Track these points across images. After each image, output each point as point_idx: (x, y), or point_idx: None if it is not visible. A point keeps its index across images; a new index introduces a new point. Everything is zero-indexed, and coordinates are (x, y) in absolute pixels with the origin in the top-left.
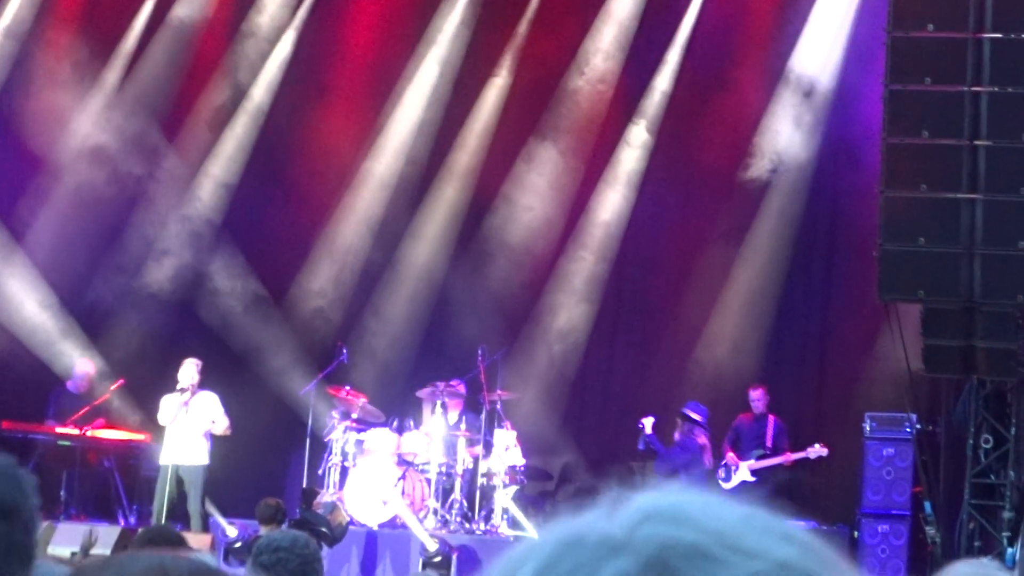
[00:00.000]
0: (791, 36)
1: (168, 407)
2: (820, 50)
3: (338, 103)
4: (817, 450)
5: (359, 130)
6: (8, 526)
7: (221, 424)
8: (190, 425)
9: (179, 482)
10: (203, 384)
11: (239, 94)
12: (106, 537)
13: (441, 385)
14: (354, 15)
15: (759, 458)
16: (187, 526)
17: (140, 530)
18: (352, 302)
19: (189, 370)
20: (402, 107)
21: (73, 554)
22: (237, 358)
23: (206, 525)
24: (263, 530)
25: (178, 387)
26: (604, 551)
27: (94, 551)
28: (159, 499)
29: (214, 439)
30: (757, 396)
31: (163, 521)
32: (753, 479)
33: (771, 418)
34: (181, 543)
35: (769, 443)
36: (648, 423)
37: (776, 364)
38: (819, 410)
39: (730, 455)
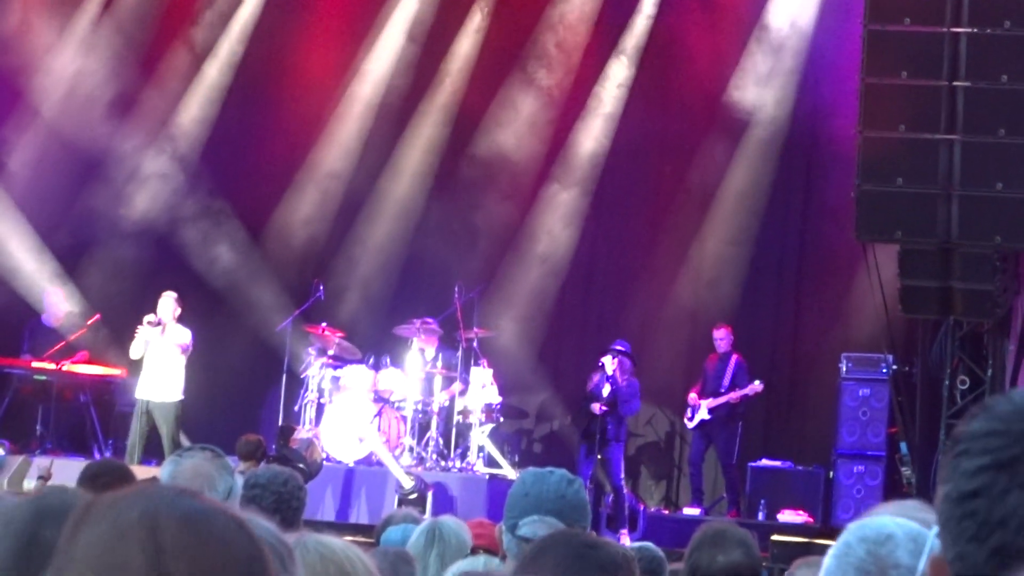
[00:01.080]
0: None
1: (137, 340)
2: None
3: (318, 32)
4: (755, 387)
5: (339, 61)
6: None
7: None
8: (161, 360)
9: (152, 417)
10: (181, 319)
11: (217, 27)
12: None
13: (417, 322)
14: None
15: (714, 396)
16: (161, 461)
17: (86, 464)
18: (330, 238)
19: (167, 303)
20: (383, 36)
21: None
22: (214, 294)
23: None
24: (242, 466)
25: (146, 320)
26: None
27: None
28: (133, 434)
29: (188, 374)
30: (721, 336)
31: (136, 456)
32: (710, 417)
33: (734, 357)
34: (128, 478)
35: (727, 381)
36: (608, 361)
37: (752, 304)
38: (795, 350)
39: (692, 395)
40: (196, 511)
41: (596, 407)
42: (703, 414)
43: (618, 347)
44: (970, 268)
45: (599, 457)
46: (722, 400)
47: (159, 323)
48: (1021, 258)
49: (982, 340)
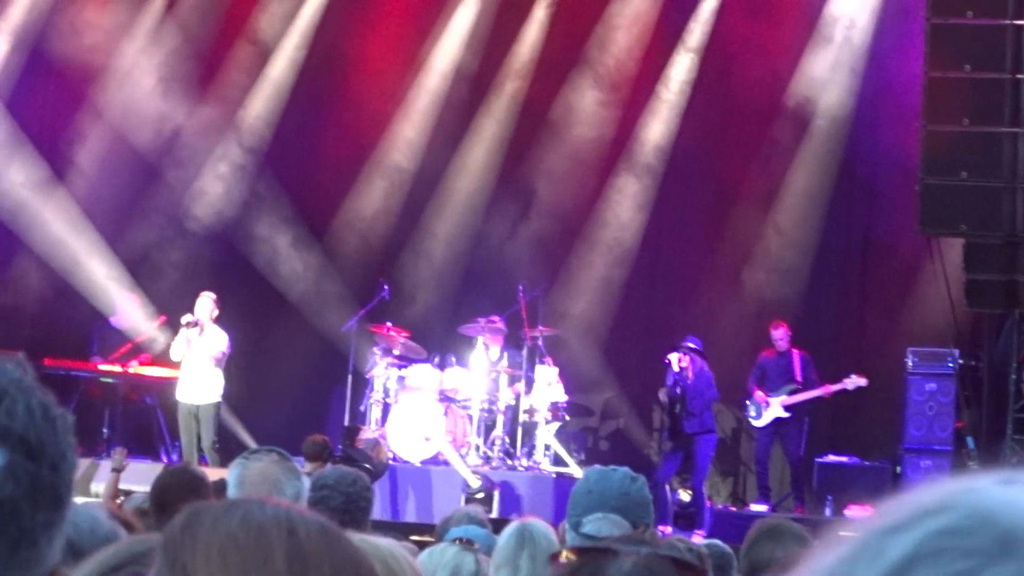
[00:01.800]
0: None
1: (177, 341)
2: None
3: (382, 27)
4: (855, 380)
5: (404, 57)
6: (35, 465)
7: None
8: (200, 361)
9: (196, 419)
10: (234, 322)
11: (281, 23)
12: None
13: (482, 321)
14: None
15: (791, 393)
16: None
17: (162, 468)
18: (394, 237)
19: (204, 304)
20: (447, 32)
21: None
22: (279, 294)
23: (221, 462)
24: (308, 467)
25: (183, 321)
26: None
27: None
28: (184, 435)
29: (253, 374)
30: (780, 335)
31: (193, 457)
32: (787, 415)
33: (795, 352)
34: (203, 480)
35: (798, 377)
36: (675, 359)
37: (817, 299)
38: (860, 345)
39: (758, 393)
40: (321, 520)
41: (663, 396)
42: (776, 411)
43: (688, 344)
44: None
45: (682, 454)
46: (812, 395)
47: (196, 323)
48: None
49: None
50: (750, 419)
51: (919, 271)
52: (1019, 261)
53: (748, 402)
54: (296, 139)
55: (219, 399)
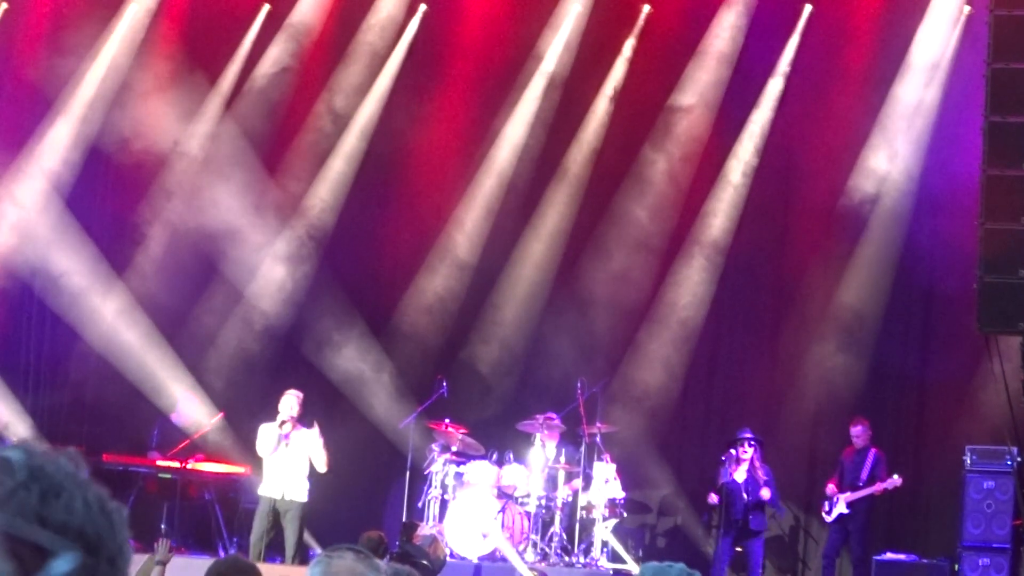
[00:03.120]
0: (892, 64)
1: (267, 438)
2: (921, 80)
3: (443, 120)
4: (894, 480)
5: (464, 151)
6: (93, 559)
7: (320, 460)
8: (290, 459)
9: (276, 515)
10: (303, 417)
11: (342, 117)
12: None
13: (540, 418)
14: (457, 37)
15: (853, 490)
16: (284, 560)
17: (213, 562)
18: (453, 333)
19: (290, 402)
20: (509, 126)
21: None
22: (337, 390)
23: (304, 559)
24: None
25: (279, 419)
26: None
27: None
28: (256, 531)
29: (314, 474)
30: (857, 432)
31: (261, 554)
32: (848, 511)
33: (872, 451)
34: (252, 571)
35: (865, 475)
36: (742, 450)
37: (875, 396)
38: (919, 443)
39: (830, 487)
40: None
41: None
42: (841, 508)
43: (748, 435)
44: None
45: (739, 549)
46: (863, 493)
47: (290, 421)
48: None
49: None
50: (824, 514)
51: (977, 369)
52: None
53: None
54: (358, 230)
55: (306, 498)
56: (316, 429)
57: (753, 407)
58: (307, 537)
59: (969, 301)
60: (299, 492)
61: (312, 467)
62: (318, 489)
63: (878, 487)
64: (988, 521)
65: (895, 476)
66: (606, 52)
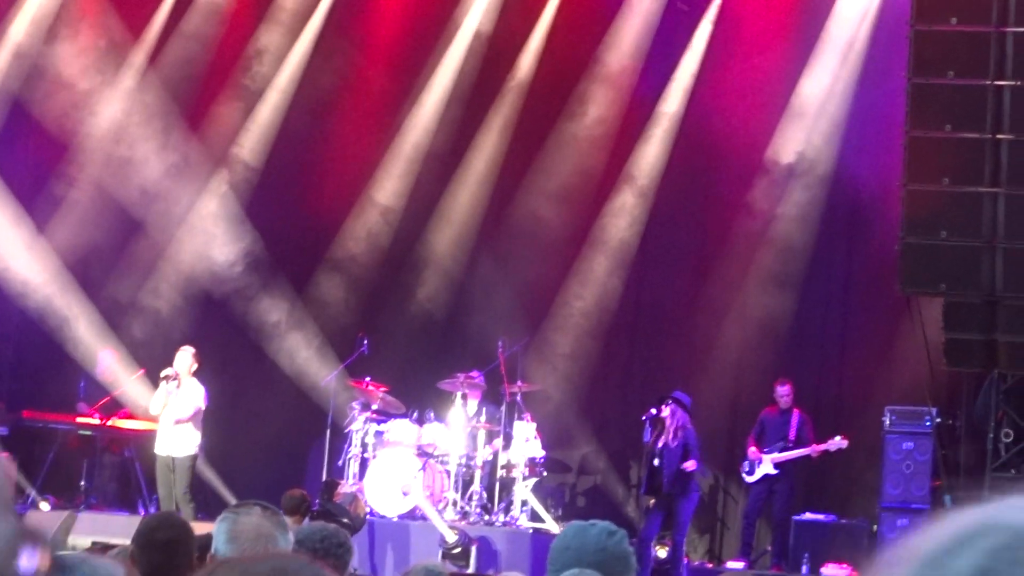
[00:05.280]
0: (814, 30)
1: (155, 396)
2: (841, 46)
3: (360, 96)
4: (837, 442)
5: (379, 122)
6: None
7: (182, 411)
8: (177, 414)
9: (173, 471)
10: (214, 373)
11: (262, 82)
12: (127, 527)
13: (461, 376)
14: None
15: (781, 451)
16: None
17: (143, 519)
18: (374, 291)
19: (183, 358)
20: (426, 96)
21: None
22: (258, 348)
23: (195, 514)
24: (287, 521)
25: (162, 375)
26: None
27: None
28: (161, 489)
29: (233, 428)
30: (784, 392)
31: (171, 509)
32: (775, 472)
33: (796, 412)
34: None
35: (792, 436)
36: (662, 416)
37: (796, 357)
38: (839, 403)
39: (752, 449)
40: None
41: (656, 461)
42: (767, 468)
43: (676, 396)
44: (1015, 321)
45: (665, 512)
46: (797, 454)
47: (175, 377)
48: None
49: None
50: (743, 474)
51: (898, 329)
52: (998, 321)
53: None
54: (281, 187)
55: (195, 452)
56: (203, 389)
57: (674, 363)
58: (226, 494)
59: (891, 262)
60: (184, 447)
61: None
62: (241, 446)
63: (818, 448)
64: (907, 482)
65: (838, 437)
66: (532, 9)
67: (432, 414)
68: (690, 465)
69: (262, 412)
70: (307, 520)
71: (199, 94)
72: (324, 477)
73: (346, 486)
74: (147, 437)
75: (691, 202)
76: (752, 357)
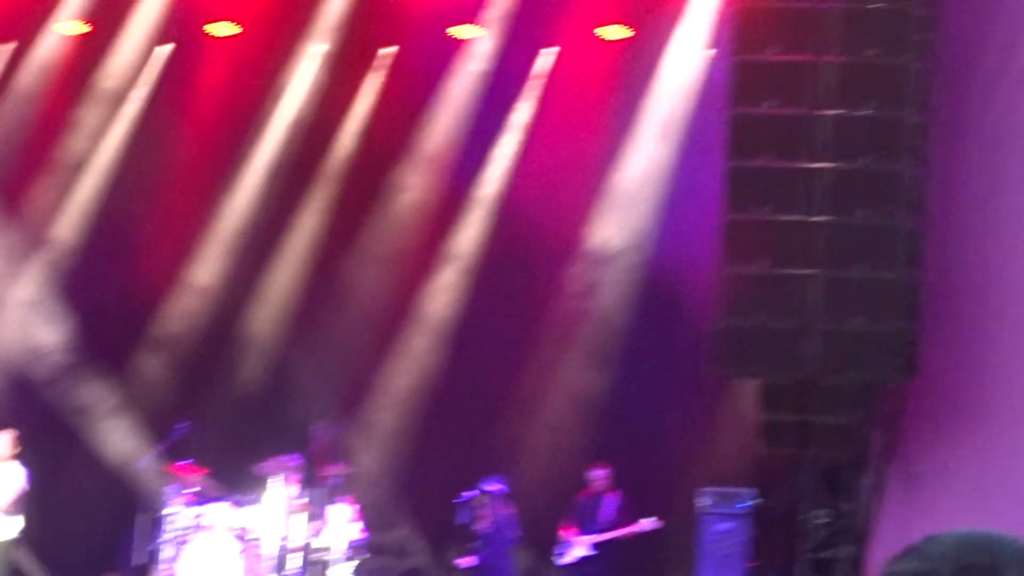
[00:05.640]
0: (632, 111)
1: None
2: (659, 128)
3: (180, 176)
4: (651, 522)
5: (200, 201)
6: None
7: (6, 494)
8: None
9: None
10: (32, 455)
11: (81, 160)
12: None
13: (280, 459)
14: (202, 78)
15: (597, 532)
16: None
17: None
18: (194, 373)
19: (2, 442)
20: (247, 176)
21: None
22: (76, 430)
23: None
24: None
25: None
26: None
27: None
28: None
29: (48, 511)
30: (599, 476)
31: None
32: (593, 553)
33: (611, 495)
34: None
35: (607, 518)
36: (478, 499)
37: (614, 437)
38: (656, 484)
39: (565, 531)
40: None
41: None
42: (581, 550)
43: (488, 487)
44: (830, 402)
45: None
46: (612, 535)
47: None
48: (879, 392)
49: (841, 474)
50: (556, 557)
51: (716, 411)
52: (814, 402)
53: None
54: (100, 266)
55: (14, 536)
56: (24, 471)
57: (494, 446)
58: None
59: (707, 344)
60: (5, 531)
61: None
62: (56, 530)
63: (631, 529)
64: (723, 564)
65: (653, 518)
66: (350, 91)
67: (251, 497)
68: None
69: (79, 495)
70: None
71: (15, 173)
72: (139, 562)
73: (162, 570)
74: None
75: (511, 281)
76: (569, 437)
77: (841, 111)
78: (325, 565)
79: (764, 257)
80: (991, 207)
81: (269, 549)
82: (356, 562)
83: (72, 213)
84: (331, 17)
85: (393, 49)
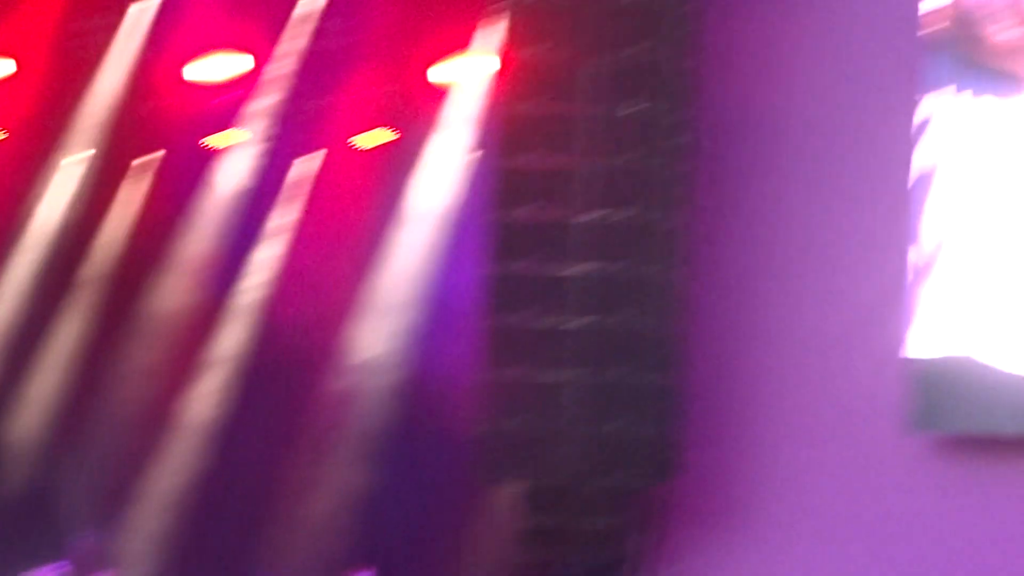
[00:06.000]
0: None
1: None
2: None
3: None
4: None
5: None
6: None
7: None
8: None
9: None
10: None
11: None
12: None
13: (43, 571)
14: None
15: None
16: None
17: None
18: None
19: None
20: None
21: None
22: None
23: None
24: None
25: None
26: None
27: None
28: None
29: None
30: None
31: None
32: None
33: None
34: None
35: None
36: None
37: (378, 542)
38: None
39: None
40: None
41: None
42: None
43: None
44: (589, 507)
45: None
46: None
47: None
48: (640, 496)
49: None
50: None
51: (478, 516)
52: (572, 506)
53: None
54: None
55: None
56: None
57: (256, 552)
58: None
59: (470, 449)
60: None
61: None
62: None
63: None
64: None
65: None
66: (105, 202)
67: None
68: None
69: None
70: None
71: None
72: None
73: None
74: None
75: (272, 387)
76: (331, 541)
77: (603, 212)
78: None
79: (523, 361)
80: (756, 306)
81: None
82: None
83: None
84: (93, 122)
85: (157, 155)
